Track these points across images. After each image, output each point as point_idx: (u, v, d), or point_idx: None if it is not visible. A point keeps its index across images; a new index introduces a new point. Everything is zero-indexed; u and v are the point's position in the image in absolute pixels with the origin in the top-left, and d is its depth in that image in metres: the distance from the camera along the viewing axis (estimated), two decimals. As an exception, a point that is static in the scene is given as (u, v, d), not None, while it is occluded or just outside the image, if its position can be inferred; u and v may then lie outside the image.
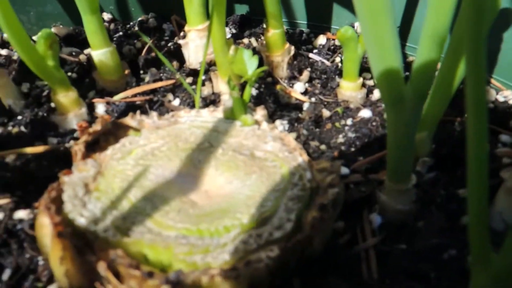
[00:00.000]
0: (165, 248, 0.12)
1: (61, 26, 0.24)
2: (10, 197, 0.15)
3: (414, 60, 0.12)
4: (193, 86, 0.20)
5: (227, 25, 0.25)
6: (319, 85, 0.21)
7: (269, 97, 0.20)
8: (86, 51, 0.23)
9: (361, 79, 0.21)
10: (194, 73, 0.21)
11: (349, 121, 0.19)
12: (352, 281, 0.13)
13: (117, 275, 0.12)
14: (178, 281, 0.11)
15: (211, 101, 0.19)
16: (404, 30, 0.24)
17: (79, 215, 0.13)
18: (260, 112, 0.18)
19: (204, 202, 0.14)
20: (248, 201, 0.14)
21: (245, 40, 0.24)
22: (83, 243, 0.12)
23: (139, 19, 0.25)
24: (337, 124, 0.19)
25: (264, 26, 0.21)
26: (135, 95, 0.20)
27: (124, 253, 0.12)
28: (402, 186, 0.15)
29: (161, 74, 0.21)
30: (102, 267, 0.12)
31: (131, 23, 0.25)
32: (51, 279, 0.13)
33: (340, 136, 0.18)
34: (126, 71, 0.21)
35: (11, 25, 0.17)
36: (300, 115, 0.20)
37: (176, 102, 0.20)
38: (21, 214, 0.14)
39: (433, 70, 0.12)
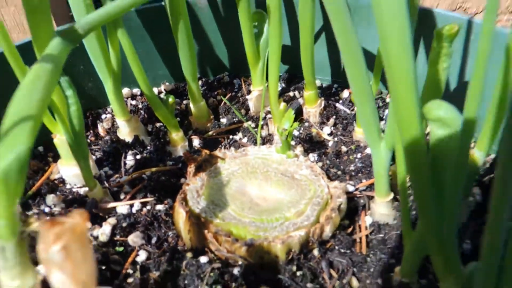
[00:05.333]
0: (243, 227, 0.22)
1: (167, 83, 0.35)
2: (153, 196, 0.25)
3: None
4: (255, 128, 0.31)
5: (281, 81, 0.35)
6: (340, 128, 0.31)
7: (305, 137, 0.30)
8: (184, 101, 0.33)
9: (370, 125, 0.30)
10: (256, 118, 0.31)
11: (358, 155, 0.28)
12: (348, 254, 0.22)
13: (217, 241, 0.22)
14: (252, 243, 0.21)
15: (267, 140, 0.29)
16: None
17: (196, 207, 0.23)
18: (299, 149, 0.27)
19: (263, 204, 0.24)
20: (289, 204, 0.23)
21: (291, 93, 0.33)
22: (199, 222, 0.23)
23: (217, 76, 0.35)
24: (351, 157, 0.28)
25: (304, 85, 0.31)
26: (217, 134, 0.31)
27: (221, 229, 0.22)
28: (385, 199, 0.24)
29: (234, 119, 0.31)
30: (210, 236, 0.22)
31: (212, 78, 0.35)
32: (176, 243, 0.24)
33: (352, 165, 0.28)
34: (211, 117, 0.32)
35: (148, 89, 0.28)
36: (326, 150, 0.29)
37: (244, 139, 0.30)
38: (159, 207, 0.25)
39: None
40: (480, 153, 0.21)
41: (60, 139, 0.24)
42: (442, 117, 0.15)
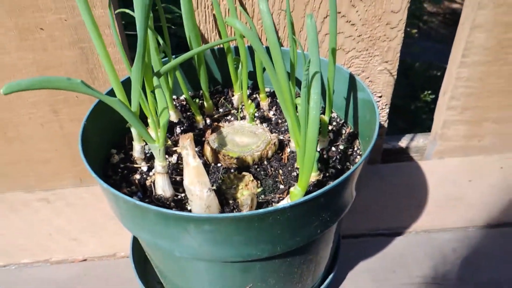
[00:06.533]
0: (234, 152, 0.53)
1: (190, 92, 0.65)
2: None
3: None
4: (237, 113, 0.61)
5: (248, 89, 0.65)
6: (278, 111, 0.61)
7: (261, 116, 0.60)
8: (200, 101, 0.64)
9: (292, 110, 0.60)
10: (237, 108, 0.62)
11: (285, 124, 0.59)
12: (278, 163, 0.53)
13: (223, 158, 0.53)
14: (238, 157, 0.51)
15: (242, 118, 0.60)
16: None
17: (214, 145, 0.53)
18: (258, 121, 0.58)
19: (241, 144, 0.54)
20: (253, 144, 0.54)
21: (254, 96, 0.64)
22: (215, 152, 0.53)
23: (215, 87, 0.66)
24: (283, 125, 0.59)
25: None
26: (218, 117, 0.61)
27: (225, 153, 0.53)
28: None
29: (226, 109, 0.62)
30: (220, 157, 0.52)
31: (213, 89, 0.66)
32: (205, 162, 0.54)
33: (283, 128, 0.58)
34: (214, 108, 0.62)
35: (188, 96, 0.58)
36: (271, 122, 0.60)
37: (232, 119, 0.60)
38: (196, 149, 0.55)
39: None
40: (326, 117, 0.52)
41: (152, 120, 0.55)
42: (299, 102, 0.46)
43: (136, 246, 0.64)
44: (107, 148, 0.52)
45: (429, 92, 2.12)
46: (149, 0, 0.39)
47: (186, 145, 0.42)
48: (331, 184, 0.38)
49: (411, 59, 2.47)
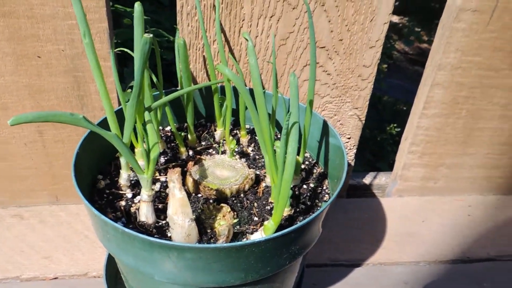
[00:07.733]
0: (214, 184, 0.57)
1: (176, 125, 0.69)
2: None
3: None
4: (218, 147, 0.66)
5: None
6: (256, 148, 0.67)
7: (240, 151, 0.66)
8: (183, 133, 0.68)
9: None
10: (218, 143, 0.66)
11: (263, 160, 0.64)
12: (254, 196, 0.58)
13: (204, 189, 0.57)
14: (218, 189, 0.56)
15: (223, 152, 0.65)
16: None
17: (195, 177, 0.58)
18: (237, 156, 0.63)
19: (222, 177, 0.59)
20: (232, 177, 0.59)
21: (235, 131, 0.69)
22: (197, 183, 0.57)
23: (199, 121, 0.70)
24: (260, 161, 0.65)
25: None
26: (201, 149, 0.65)
27: (205, 185, 0.57)
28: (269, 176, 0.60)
29: (208, 142, 0.67)
30: (201, 188, 0.57)
31: (196, 122, 0.70)
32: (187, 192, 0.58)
33: (259, 164, 0.64)
34: (197, 141, 0.67)
35: (174, 128, 0.62)
36: (249, 157, 0.65)
37: (213, 152, 0.65)
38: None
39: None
40: (300, 157, 0.58)
41: (139, 150, 0.59)
42: (278, 145, 0.52)
43: (109, 267, 0.67)
44: (93, 174, 0.56)
45: (395, 125, 2.24)
46: (148, 49, 0.44)
47: (173, 179, 0.46)
48: (301, 222, 0.43)
49: (379, 93, 2.60)
